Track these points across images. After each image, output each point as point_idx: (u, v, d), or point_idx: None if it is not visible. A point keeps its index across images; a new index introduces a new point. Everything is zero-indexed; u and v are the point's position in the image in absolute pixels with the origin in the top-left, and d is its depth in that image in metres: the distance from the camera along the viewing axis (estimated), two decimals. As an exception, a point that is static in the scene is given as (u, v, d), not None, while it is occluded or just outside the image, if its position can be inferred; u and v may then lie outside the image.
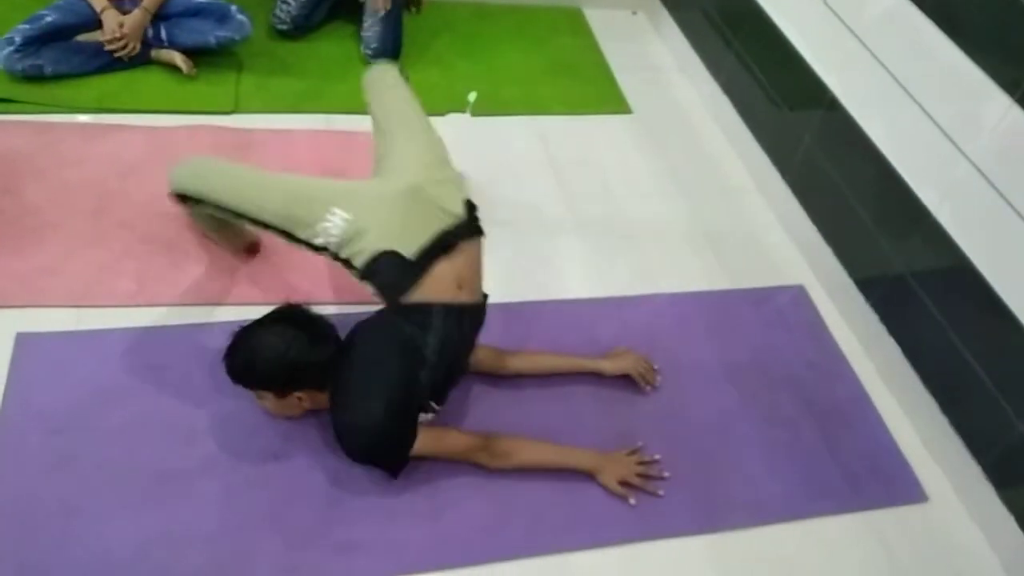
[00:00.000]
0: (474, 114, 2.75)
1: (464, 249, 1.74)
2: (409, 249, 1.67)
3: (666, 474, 1.82)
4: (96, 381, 1.80)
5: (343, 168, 2.42)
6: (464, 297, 1.73)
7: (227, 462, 1.71)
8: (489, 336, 1.85)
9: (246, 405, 1.77)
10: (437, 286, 1.68)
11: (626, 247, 2.39)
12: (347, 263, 1.70)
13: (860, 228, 2.23)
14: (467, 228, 1.76)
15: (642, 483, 1.79)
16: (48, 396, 1.76)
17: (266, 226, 1.75)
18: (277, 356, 1.61)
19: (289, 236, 1.74)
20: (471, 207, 1.81)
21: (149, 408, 1.77)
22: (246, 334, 1.66)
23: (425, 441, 1.67)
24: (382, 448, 1.66)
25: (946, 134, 1.92)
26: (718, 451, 1.92)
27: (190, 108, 2.53)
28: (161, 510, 1.62)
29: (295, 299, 1.76)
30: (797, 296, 2.34)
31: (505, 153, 2.64)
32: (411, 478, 1.72)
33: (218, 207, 1.79)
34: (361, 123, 2.61)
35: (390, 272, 1.67)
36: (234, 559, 1.58)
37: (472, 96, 2.80)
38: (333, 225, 1.67)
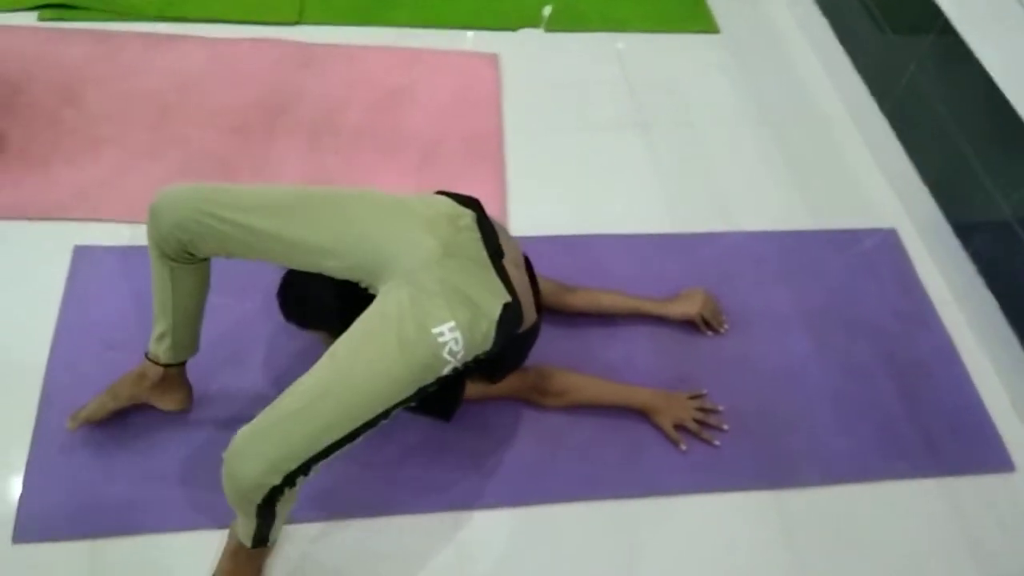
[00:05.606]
0: (548, 29, 2.61)
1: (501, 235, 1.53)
2: (500, 291, 1.41)
3: (725, 427, 1.73)
4: (149, 297, 1.78)
5: (411, 90, 2.31)
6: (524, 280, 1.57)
7: (275, 389, 1.68)
8: (551, 270, 1.76)
9: (295, 331, 1.74)
10: (528, 306, 1.50)
11: (704, 179, 2.24)
12: (476, 361, 1.40)
13: (965, 168, 2.02)
14: (485, 218, 1.48)
15: (697, 430, 1.71)
16: (103, 310, 1.77)
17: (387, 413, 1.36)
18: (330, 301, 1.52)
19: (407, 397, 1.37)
20: (456, 197, 1.52)
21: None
22: (301, 276, 1.52)
23: (476, 386, 1.63)
24: (435, 401, 1.61)
25: (1076, 65, 1.70)
26: (786, 402, 1.80)
27: (253, 19, 2.46)
28: (208, 432, 1.62)
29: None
30: (887, 240, 2.16)
31: (579, 72, 2.49)
32: (462, 416, 1.66)
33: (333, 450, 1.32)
34: (433, 39, 2.51)
35: (512, 326, 1.42)
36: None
37: (547, 10, 2.66)
38: (451, 341, 1.33)
